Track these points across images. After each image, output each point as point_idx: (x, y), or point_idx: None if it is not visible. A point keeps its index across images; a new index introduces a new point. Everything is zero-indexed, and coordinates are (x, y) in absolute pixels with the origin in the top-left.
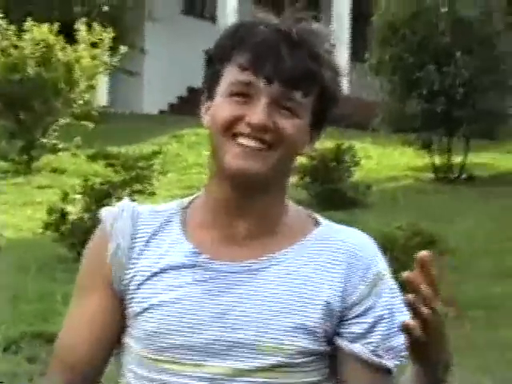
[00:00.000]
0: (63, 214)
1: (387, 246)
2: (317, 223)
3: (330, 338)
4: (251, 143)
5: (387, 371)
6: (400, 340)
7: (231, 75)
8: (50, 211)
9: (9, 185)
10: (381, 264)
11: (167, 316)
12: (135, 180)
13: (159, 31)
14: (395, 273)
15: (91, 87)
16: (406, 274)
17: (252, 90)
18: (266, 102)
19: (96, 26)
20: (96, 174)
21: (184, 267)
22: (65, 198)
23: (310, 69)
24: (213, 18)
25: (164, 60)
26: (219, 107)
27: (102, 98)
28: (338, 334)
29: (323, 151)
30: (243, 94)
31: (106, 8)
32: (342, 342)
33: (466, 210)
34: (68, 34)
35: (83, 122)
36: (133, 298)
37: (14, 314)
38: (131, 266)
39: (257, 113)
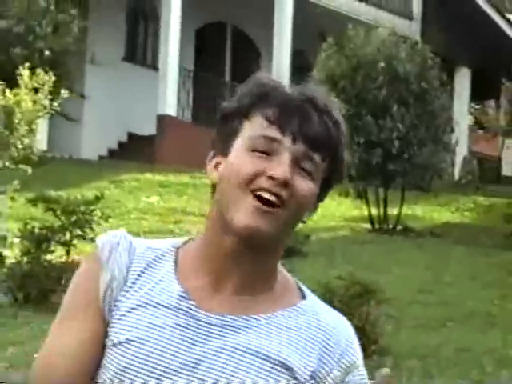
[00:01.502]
0: (0, 259)
1: (326, 295)
2: (303, 296)
3: None
4: (272, 198)
5: None
6: None
7: (254, 130)
8: None
9: None
10: (357, 352)
11: (141, 354)
12: (76, 225)
13: (100, 77)
14: None
15: (31, 131)
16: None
17: (275, 146)
18: (289, 158)
19: (39, 71)
20: (34, 218)
21: (168, 308)
22: (3, 241)
23: (332, 134)
24: (154, 66)
25: (104, 105)
26: (240, 162)
27: (41, 142)
28: None
29: None
30: (265, 152)
31: (47, 52)
32: None
33: (402, 260)
34: (8, 79)
35: (21, 166)
36: (113, 327)
37: None
38: (121, 299)
39: (281, 166)
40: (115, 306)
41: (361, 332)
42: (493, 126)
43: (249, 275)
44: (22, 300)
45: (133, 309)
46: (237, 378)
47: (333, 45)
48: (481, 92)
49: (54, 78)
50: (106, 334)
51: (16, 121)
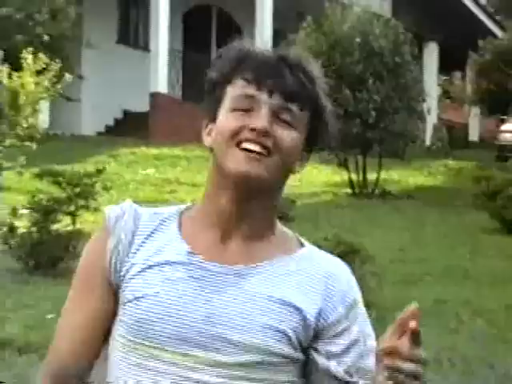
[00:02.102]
0: (11, 229)
1: None
2: (301, 244)
3: (305, 348)
4: (256, 147)
5: None
6: (369, 362)
7: (234, 92)
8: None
9: None
10: (357, 291)
11: (158, 306)
12: (80, 196)
13: (96, 59)
14: None
15: (35, 111)
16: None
17: (254, 103)
18: (267, 111)
19: (41, 55)
20: (40, 191)
21: (180, 264)
22: (13, 213)
23: (306, 85)
24: (146, 47)
25: (100, 85)
26: (224, 121)
27: (44, 121)
28: (315, 350)
29: None
30: (245, 110)
31: (46, 37)
32: (319, 358)
33: (381, 222)
34: (12, 62)
35: (27, 143)
36: (127, 286)
37: None
38: (128, 259)
39: (260, 119)
40: (123, 267)
41: None
42: (459, 95)
43: (249, 226)
44: (33, 266)
45: (146, 268)
46: (251, 320)
47: (311, 24)
48: (448, 65)
49: (59, 64)
50: (116, 295)
51: (21, 102)
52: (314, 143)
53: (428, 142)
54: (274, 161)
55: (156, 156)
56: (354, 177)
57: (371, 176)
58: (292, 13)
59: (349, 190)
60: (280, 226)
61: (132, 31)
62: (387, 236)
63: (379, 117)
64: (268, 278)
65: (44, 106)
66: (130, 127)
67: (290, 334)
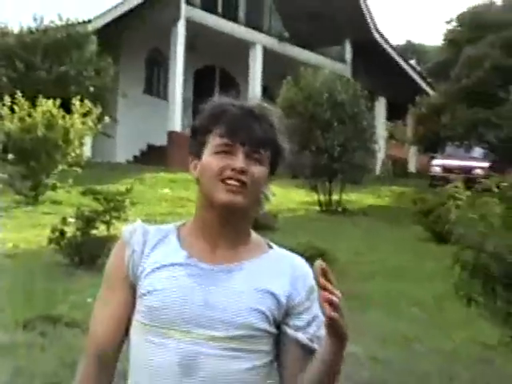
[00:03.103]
0: (62, 233)
1: None
2: (270, 246)
3: (278, 324)
4: (235, 183)
5: (313, 351)
6: (323, 332)
7: (214, 141)
8: (53, 230)
9: (21, 212)
10: (312, 280)
11: (166, 297)
12: (113, 209)
13: (127, 105)
14: None
15: (81, 144)
16: (320, 264)
17: (232, 148)
18: (242, 155)
19: (87, 101)
20: (83, 205)
21: (180, 265)
22: (63, 221)
23: (269, 135)
24: (165, 97)
25: (130, 125)
26: (210, 162)
27: (87, 151)
28: (286, 324)
29: None
30: (225, 152)
31: (91, 89)
32: (289, 330)
33: (341, 232)
34: (65, 107)
35: (74, 168)
36: (141, 284)
37: (29, 302)
38: (141, 264)
39: (238, 161)
40: (138, 269)
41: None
42: (401, 137)
43: (230, 236)
44: (77, 262)
45: (155, 269)
46: (238, 304)
47: (291, 81)
48: (393, 114)
49: (100, 109)
50: (134, 290)
51: (71, 137)
52: (273, 171)
53: (378, 172)
54: (249, 190)
55: (171, 179)
56: (322, 198)
57: (335, 197)
58: (276, 73)
59: (318, 208)
60: (254, 234)
61: (155, 84)
62: (346, 243)
63: (342, 152)
64: (248, 273)
65: (88, 140)
66: (152, 157)
67: (267, 314)
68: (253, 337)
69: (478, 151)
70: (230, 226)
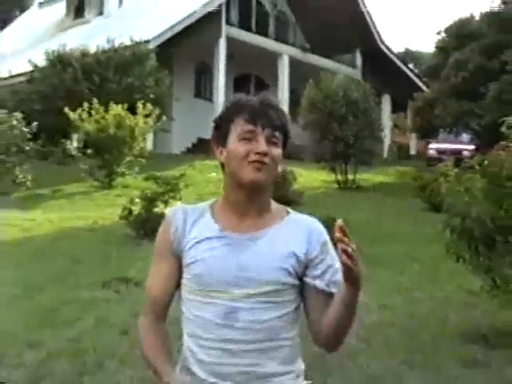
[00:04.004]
0: (130, 211)
1: None
2: (288, 212)
3: (300, 277)
4: (259, 164)
5: (331, 295)
6: (339, 277)
7: (238, 128)
8: (123, 209)
9: (99, 195)
10: (326, 235)
11: (207, 265)
12: (170, 191)
13: (181, 107)
14: None
15: (144, 139)
16: (340, 223)
17: (254, 134)
18: (263, 140)
19: (148, 105)
20: (146, 188)
21: (215, 238)
22: (131, 201)
23: (283, 121)
24: (211, 99)
25: (184, 123)
26: (236, 147)
27: (149, 145)
28: (306, 275)
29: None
30: (248, 138)
31: (151, 95)
32: (308, 280)
33: (356, 205)
34: (131, 110)
35: (139, 159)
36: (186, 255)
37: (106, 266)
38: (184, 239)
39: (261, 146)
40: (182, 244)
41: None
42: (403, 126)
43: (255, 210)
44: (142, 234)
45: (195, 243)
46: (266, 265)
47: (312, 84)
48: (396, 108)
49: (159, 111)
50: (180, 261)
51: (136, 134)
52: (284, 149)
53: (385, 156)
54: (271, 169)
55: (216, 165)
56: (339, 177)
57: (350, 176)
58: (301, 77)
59: (336, 186)
60: (274, 203)
61: (202, 90)
62: (359, 213)
63: (355, 140)
64: (271, 238)
65: (149, 136)
66: (201, 148)
67: (290, 270)
68: (280, 290)
69: (465, 136)
70: (255, 200)
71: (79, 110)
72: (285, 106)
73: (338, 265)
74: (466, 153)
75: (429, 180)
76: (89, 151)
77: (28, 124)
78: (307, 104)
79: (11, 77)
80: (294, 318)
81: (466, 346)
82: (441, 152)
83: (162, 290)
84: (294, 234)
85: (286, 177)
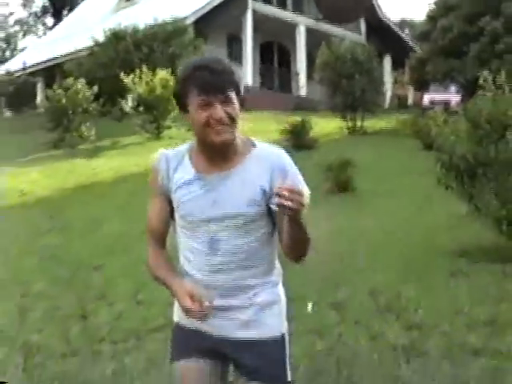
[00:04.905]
0: None
1: (329, 166)
2: (253, 145)
3: (267, 205)
4: (220, 127)
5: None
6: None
7: (194, 99)
8: None
9: (150, 144)
10: (287, 163)
11: (188, 206)
12: None
13: None
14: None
15: None
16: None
17: (209, 102)
18: (219, 104)
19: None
20: (189, 138)
21: (193, 181)
22: None
23: (233, 80)
24: (240, 62)
25: None
26: (197, 116)
27: None
28: (270, 203)
29: (295, 122)
30: (206, 105)
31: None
32: (271, 205)
33: (363, 147)
34: (175, 74)
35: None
36: (173, 197)
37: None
38: (170, 184)
39: (218, 112)
40: (168, 187)
41: (346, 183)
42: (402, 81)
43: (226, 153)
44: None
45: (177, 187)
46: (239, 198)
47: (325, 48)
48: (396, 66)
49: None
50: (170, 200)
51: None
52: (242, 104)
53: (387, 106)
54: (231, 126)
55: (246, 118)
56: (349, 124)
57: (358, 124)
58: (315, 43)
59: (346, 132)
60: (239, 140)
61: (233, 55)
62: (365, 154)
63: (361, 94)
64: (240, 175)
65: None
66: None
67: (259, 202)
68: (251, 220)
69: (453, 88)
70: (224, 150)
71: (132, 76)
72: (302, 67)
73: (300, 182)
74: (453, 102)
75: (422, 125)
76: (141, 109)
77: (90, 89)
78: (321, 64)
79: (76, 52)
80: (267, 239)
81: (453, 260)
82: (433, 102)
83: (158, 219)
84: (260, 170)
85: (304, 125)
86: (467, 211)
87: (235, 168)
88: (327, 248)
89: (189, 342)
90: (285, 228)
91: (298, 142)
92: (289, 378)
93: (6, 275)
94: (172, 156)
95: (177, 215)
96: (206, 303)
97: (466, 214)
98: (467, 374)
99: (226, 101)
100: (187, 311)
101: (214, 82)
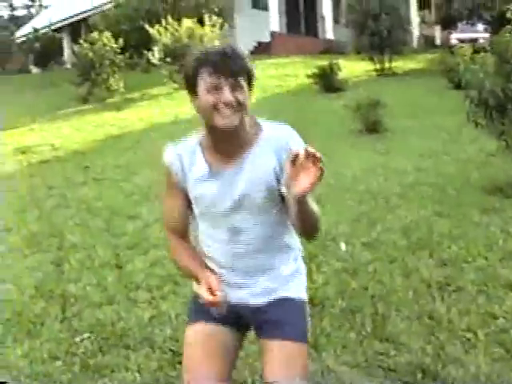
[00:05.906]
0: None
1: (359, 106)
2: (260, 129)
3: (279, 189)
4: (227, 111)
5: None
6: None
7: (204, 82)
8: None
9: (178, 95)
10: (296, 144)
11: (205, 201)
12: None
13: (241, 18)
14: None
15: (214, 44)
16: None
17: (219, 85)
18: (228, 88)
19: (214, 17)
20: None
21: (208, 177)
22: None
23: (244, 67)
24: (266, 9)
25: (245, 29)
26: (205, 99)
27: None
28: (281, 186)
29: (325, 65)
30: (215, 89)
31: (216, 9)
32: (282, 188)
33: (392, 88)
34: (200, 23)
35: None
36: (190, 193)
37: None
38: (185, 180)
39: (227, 95)
40: (184, 184)
41: (376, 123)
42: (429, 21)
43: (235, 141)
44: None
45: (194, 182)
46: (255, 186)
47: None
48: (422, 6)
49: (221, 21)
50: (187, 195)
51: (204, 41)
52: (250, 89)
53: (415, 46)
54: (239, 112)
55: (273, 63)
56: (377, 66)
57: (386, 64)
58: None
59: (374, 73)
60: (247, 126)
61: (259, 1)
62: (394, 95)
63: (388, 34)
64: (253, 161)
65: (216, 43)
66: (261, 50)
67: (274, 184)
68: (270, 204)
69: (480, 26)
70: (231, 138)
71: (157, 27)
72: (328, 10)
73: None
74: (481, 40)
75: (451, 63)
76: (167, 59)
77: (116, 41)
78: (347, 6)
79: (101, 5)
80: (285, 219)
81: (485, 197)
82: (461, 40)
83: (178, 215)
84: (269, 154)
85: (332, 68)
86: (497, 148)
87: (247, 157)
88: (360, 187)
89: (204, 310)
90: (293, 210)
91: (326, 84)
92: (306, 340)
93: (41, 228)
94: (183, 152)
95: (195, 208)
96: (220, 298)
97: (496, 150)
98: (502, 308)
99: (236, 85)
100: (203, 299)
101: (225, 66)
